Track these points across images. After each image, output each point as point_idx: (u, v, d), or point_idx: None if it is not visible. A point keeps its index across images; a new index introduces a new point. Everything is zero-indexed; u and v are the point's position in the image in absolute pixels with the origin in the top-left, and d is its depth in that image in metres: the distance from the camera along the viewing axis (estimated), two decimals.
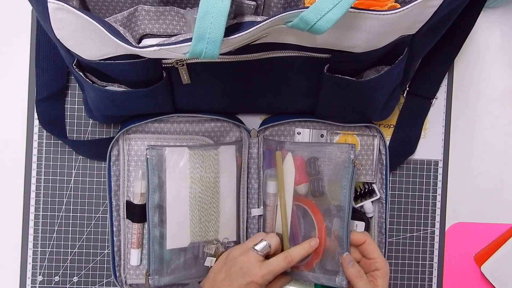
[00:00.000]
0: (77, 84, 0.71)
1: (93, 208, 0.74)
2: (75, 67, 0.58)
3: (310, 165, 0.65)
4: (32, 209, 0.73)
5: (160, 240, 0.64)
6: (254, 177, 0.71)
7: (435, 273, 0.76)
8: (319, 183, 0.64)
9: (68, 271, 0.73)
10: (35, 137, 0.72)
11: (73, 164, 0.73)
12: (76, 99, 0.73)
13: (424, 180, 0.76)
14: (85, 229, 0.74)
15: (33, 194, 0.73)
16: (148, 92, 0.59)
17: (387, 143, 0.72)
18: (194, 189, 0.65)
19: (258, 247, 0.61)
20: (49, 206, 0.73)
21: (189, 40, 0.46)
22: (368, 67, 0.61)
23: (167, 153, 0.64)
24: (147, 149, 0.63)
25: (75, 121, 0.73)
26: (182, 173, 0.64)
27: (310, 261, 0.64)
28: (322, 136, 0.70)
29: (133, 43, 0.49)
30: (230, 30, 0.47)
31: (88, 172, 0.73)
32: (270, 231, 0.68)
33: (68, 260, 0.73)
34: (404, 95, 0.73)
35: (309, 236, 0.65)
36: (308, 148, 0.66)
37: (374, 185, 0.71)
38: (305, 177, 0.65)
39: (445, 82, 0.75)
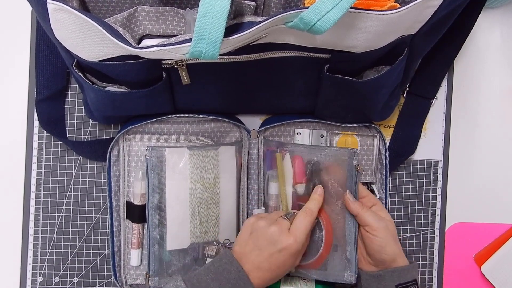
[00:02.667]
0: (77, 85, 0.72)
1: (93, 208, 0.74)
2: (75, 67, 0.58)
3: (310, 168, 0.65)
4: (32, 209, 0.73)
5: (160, 241, 0.64)
6: (254, 177, 0.71)
7: (435, 273, 0.76)
8: (316, 184, 0.65)
9: (68, 272, 0.73)
10: (35, 137, 0.72)
11: (73, 164, 0.73)
12: (76, 100, 0.73)
13: (424, 180, 0.76)
14: (85, 229, 0.74)
15: (33, 195, 0.73)
16: (148, 92, 0.59)
17: (387, 143, 0.72)
18: (194, 189, 0.65)
19: (287, 216, 0.61)
20: (49, 207, 0.73)
21: (189, 40, 0.46)
22: (368, 67, 0.61)
23: (166, 154, 0.64)
24: (146, 149, 0.63)
25: (75, 121, 0.73)
26: (182, 173, 0.64)
27: (318, 259, 0.64)
28: (322, 136, 0.70)
29: (133, 44, 0.49)
30: (230, 30, 0.47)
31: (88, 172, 0.73)
32: None
33: (68, 261, 0.73)
34: (404, 95, 0.73)
35: (314, 235, 0.65)
36: (310, 150, 0.66)
37: (373, 186, 0.71)
38: (303, 177, 0.65)
39: (445, 82, 0.75)
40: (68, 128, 0.73)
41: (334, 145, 0.70)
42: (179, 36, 0.55)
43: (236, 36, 0.47)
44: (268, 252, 0.56)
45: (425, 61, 0.69)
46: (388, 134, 0.74)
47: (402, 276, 0.59)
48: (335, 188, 0.64)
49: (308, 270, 0.65)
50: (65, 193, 0.73)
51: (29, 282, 0.73)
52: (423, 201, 0.76)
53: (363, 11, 0.48)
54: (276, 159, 0.66)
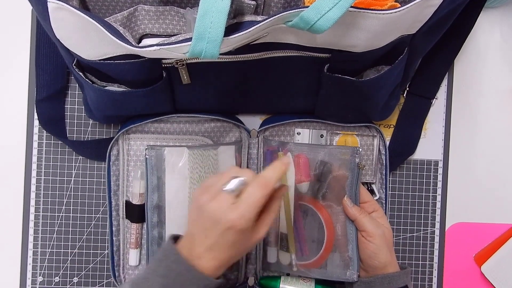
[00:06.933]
0: (77, 84, 0.71)
1: (93, 208, 0.73)
2: (75, 67, 0.58)
3: (317, 167, 0.65)
4: (32, 209, 0.73)
5: (159, 240, 0.64)
6: None
7: (435, 273, 0.76)
8: (325, 186, 0.65)
9: (68, 272, 0.73)
10: (35, 137, 0.72)
11: (73, 164, 0.73)
12: (76, 99, 0.73)
13: (424, 180, 0.76)
14: (85, 229, 0.73)
15: (33, 194, 0.73)
16: (147, 92, 0.59)
17: (387, 143, 0.72)
18: (193, 189, 0.65)
19: (230, 187, 0.50)
20: (49, 206, 0.73)
21: (189, 39, 0.46)
22: (368, 67, 0.61)
23: (166, 153, 0.63)
24: (146, 149, 0.63)
25: (75, 121, 0.73)
26: (181, 173, 0.64)
27: (320, 258, 0.65)
28: (322, 136, 0.70)
29: (133, 43, 0.49)
30: (230, 29, 0.47)
31: (88, 172, 0.73)
32: (274, 232, 0.68)
33: (68, 261, 0.73)
34: (404, 95, 0.73)
35: (316, 234, 0.65)
36: (311, 149, 0.66)
37: (373, 185, 0.71)
38: (307, 176, 0.65)
39: (445, 82, 0.75)
40: (68, 127, 0.73)
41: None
42: (179, 35, 0.55)
43: (236, 35, 0.47)
44: (214, 232, 0.49)
45: (425, 61, 0.69)
46: (388, 134, 0.74)
47: (393, 282, 0.60)
48: (336, 188, 0.64)
49: (310, 269, 0.65)
50: (65, 193, 0.73)
51: (29, 282, 0.73)
52: (423, 201, 0.76)
53: (364, 10, 0.48)
54: (278, 159, 0.66)
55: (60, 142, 0.73)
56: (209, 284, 0.50)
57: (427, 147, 0.76)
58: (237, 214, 0.48)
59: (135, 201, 0.67)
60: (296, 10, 0.45)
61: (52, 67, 0.68)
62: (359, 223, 0.62)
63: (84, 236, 0.74)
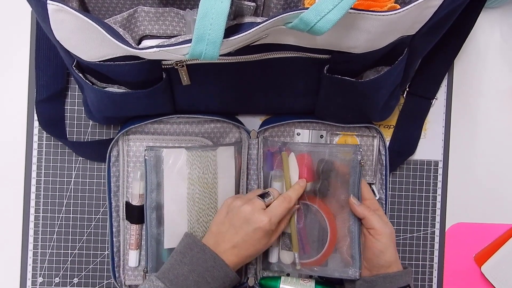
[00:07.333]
0: (77, 85, 0.71)
1: (93, 209, 0.74)
2: (74, 68, 0.58)
3: (320, 166, 0.65)
4: (32, 210, 0.73)
5: (158, 240, 0.64)
6: (253, 178, 0.71)
7: (435, 273, 0.76)
8: (327, 184, 0.65)
9: (68, 272, 0.73)
10: (35, 138, 0.72)
11: (73, 165, 0.73)
12: (76, 100, 0.73)
13: (424, 180, 0.76)
14: (85, 230, 0.73)
15: (33, 195, 0.73)
16: (147, 93, 0.59)
17: (387, 143, 0.72)
18: (191, 189, 0.65)
19: (262, 197, 0.62)
20: (49, 207, 0.73)
21: (189, 41, 0.46)
22: (368, 67, 0.61)
23: (164, 154, 0.64)
24: (145, 150, 0.63)
25: (75, 122, 0.73)
26: (180, 174, 0.64)
27: (323, 256, 0.65)
28: (321, 136, 0.70)
29: (133, 45, 0.49)
30: (230, 31, 0.47)
31: (88, 173, 0.73)
32: None
33: (68, 261, 0.73)
34: (404, 95, 0.73)
35: (318, 232, 0.65)
36: (313, 148, 0.66)
37: (373, 186, 0.71)
38: (311, 175, 0.65)
39: (445, 82, 0.75)
40: (68, 128, 0.73)
41: None
42: (179, 36, 0.55)
43: (236, 36, 0.47)
44: (243, 230, 0.58)
45: (425, 61, 0.69)
46: (388, 135, 0.74)
47: (395, 282, 0.60)
48: (339, 186, 0.65)
49: (312, 268, 0.65)
50: (65, 193, 0.73)
51: (29, 282, 0.73)
52: (423, 201, 0.76)
53: (363, 12, 0.48)
54: (282, 159, 0.66)
55: (60, 143, 0.73)
56: (230, 273, 0.57)
57: (427, 147, 0.76)
58: (267, 217, 0.58)
59: (135, 202, 0.67)
60: (296, 11, 0.45)
61: (52, 68, 0.68)
62: (367, 221, 0.61)
63: (84, 237, 0.74)
